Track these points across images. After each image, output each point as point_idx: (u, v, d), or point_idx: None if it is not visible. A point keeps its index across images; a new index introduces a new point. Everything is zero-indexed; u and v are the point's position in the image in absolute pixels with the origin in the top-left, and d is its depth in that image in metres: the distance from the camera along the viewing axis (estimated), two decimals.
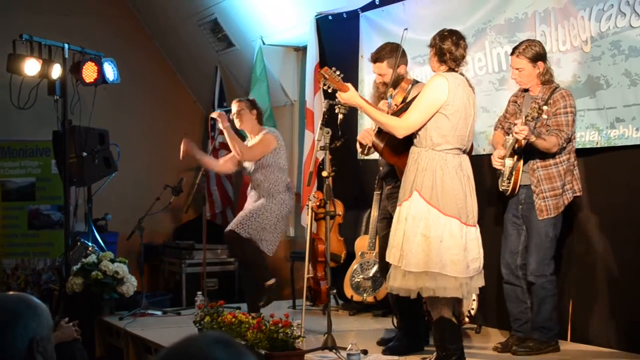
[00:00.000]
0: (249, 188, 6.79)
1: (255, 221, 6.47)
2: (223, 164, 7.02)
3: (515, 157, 5.39)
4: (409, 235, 4.68)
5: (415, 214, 4.68)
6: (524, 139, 5.17)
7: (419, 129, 4.75)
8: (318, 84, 7.73)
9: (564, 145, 5.27)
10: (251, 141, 6.72)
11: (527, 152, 5.35)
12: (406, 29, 5.44)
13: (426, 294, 4.71)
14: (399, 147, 4.98)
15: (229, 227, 6.57)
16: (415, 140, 4.81)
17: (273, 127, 7.30)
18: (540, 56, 5.34)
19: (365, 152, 5.52)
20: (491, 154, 5.63)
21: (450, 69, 4.81)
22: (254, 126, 6.72)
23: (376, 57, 5.57)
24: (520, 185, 5.41)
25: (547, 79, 5.38)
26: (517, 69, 5.38)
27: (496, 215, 6.12)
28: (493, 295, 6.18)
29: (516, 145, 5.33)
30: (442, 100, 4.69)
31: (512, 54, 5.43)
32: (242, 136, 6.88)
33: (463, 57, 4.84)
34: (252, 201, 6.67)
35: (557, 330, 5.44)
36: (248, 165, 6.68)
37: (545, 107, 5.13)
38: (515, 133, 5.19)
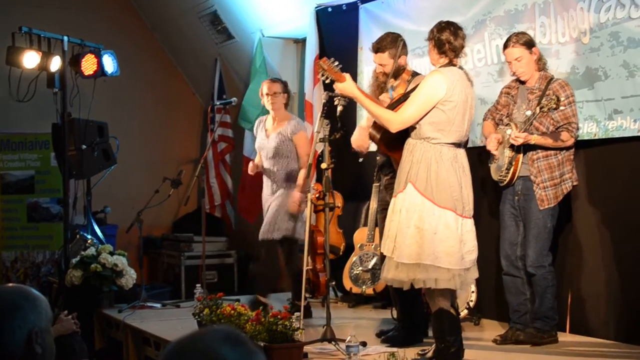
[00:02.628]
0: (265, 177, 6.66)
1: (283, 217, 6.42)
2: None
3: (516, 148, 5.39)
4: (402, 227, 4.68)
5: (409, 206, 4.68)
6: (523, 143, 5.21)
7: (415, 123, 4.74)
8: (317, 76, 7.73)
9: (577, 136, 5.29)
10: (275, 130, 6.54)
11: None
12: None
13: (418, 286, 4.71)
14: (395, 139, 4.96)
15: (262, 237, 6.48)
16: (411, 132, 4.79)
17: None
18: (532, 42, 5.43)
19: (362, 156, 5.62)
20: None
21: (450, 61, 4.79)
22: (281, 109, 6.58)
23: (377, 47, 5.56)
24: (517, 177, 5.42)
25: (543, 64, 5.44)
26: (515, 59, 5.39)
27: (491, 206, 6.11)
28: (491, 287, 6.18)
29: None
30: (439, 96, 4.67)
31: (505, 48, 5.44)
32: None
33: (462, 47, 4.82)
34: (269, 192, 6.60)
35: (557, 320, 5.45)
36: (266, 155, 6.58)
37: (562, 98, 5.13)
38: (512, 139, 5.21)
